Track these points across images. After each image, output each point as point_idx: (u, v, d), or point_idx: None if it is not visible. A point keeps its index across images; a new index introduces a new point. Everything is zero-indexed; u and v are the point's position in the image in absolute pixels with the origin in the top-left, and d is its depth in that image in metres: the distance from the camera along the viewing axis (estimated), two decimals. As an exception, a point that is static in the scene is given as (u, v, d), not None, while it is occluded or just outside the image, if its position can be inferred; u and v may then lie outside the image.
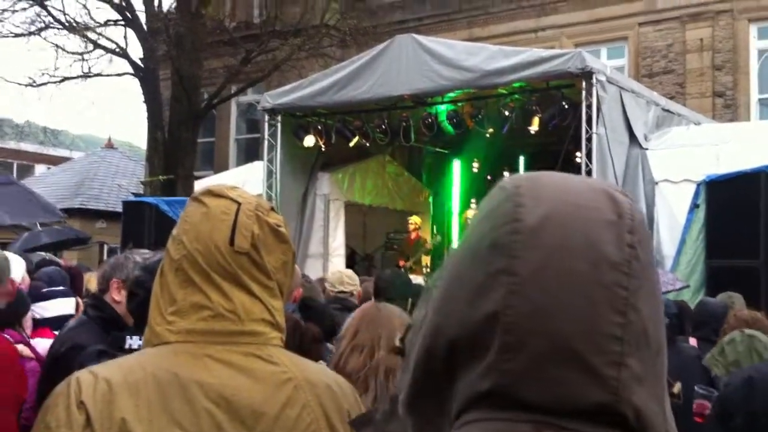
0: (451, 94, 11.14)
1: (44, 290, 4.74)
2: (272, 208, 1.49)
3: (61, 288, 5.10)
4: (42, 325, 4.28)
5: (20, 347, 3.52)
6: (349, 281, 5.22)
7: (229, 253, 1.41)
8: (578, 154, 9.78)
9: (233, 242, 1.41)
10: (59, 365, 2.92)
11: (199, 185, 14.57)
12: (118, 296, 3.08)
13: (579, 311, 0.73)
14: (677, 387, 2.89)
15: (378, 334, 2.40)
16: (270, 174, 12.13)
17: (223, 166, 19.87)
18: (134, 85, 18.94)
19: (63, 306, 4.59)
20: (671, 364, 2.75)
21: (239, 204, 1.44)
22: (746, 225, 8.21)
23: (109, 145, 27.18)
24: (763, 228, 8.09)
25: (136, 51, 18.67)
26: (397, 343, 0.94)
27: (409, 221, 13.71)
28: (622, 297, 0.74)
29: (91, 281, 7.11)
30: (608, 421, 0.73)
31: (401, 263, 13.50)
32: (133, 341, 1.95)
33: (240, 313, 1.40)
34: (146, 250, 3.35)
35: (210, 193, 1.47)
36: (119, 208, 13.98)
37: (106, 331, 3.00)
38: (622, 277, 0.74)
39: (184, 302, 1.40)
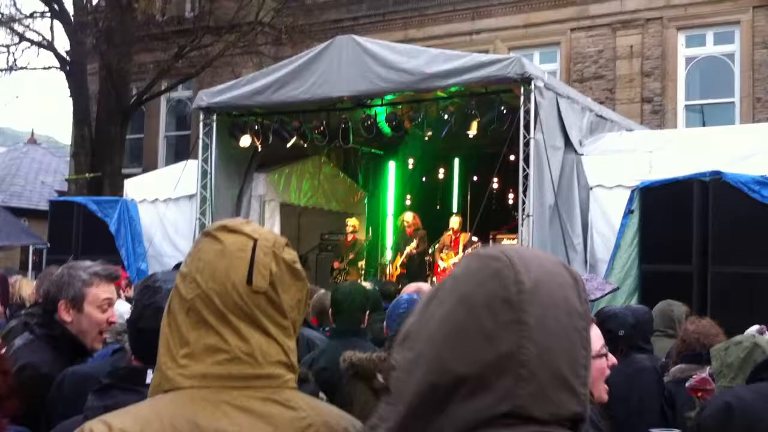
0: (391, 96, 11.13)
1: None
2: (287, 244, 1.43)
3: None
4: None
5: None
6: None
7: (247, 292, 1.34)
8: (513, 157, 9.90)
9: (251, 281, 1.34)
10: None
11: (127, 183, 14.21)
12: (68, 317, 2.98)
13: (565, 349, 1.07)
14: None
15: None
16: (204, 174, 11.90)
17: (152, 164, 19.44)
18: (59, 79, 18.32)
19: None
20: (625, 376, 2.76)
21: (256, 240, 1.37)
22: (679, 231, 8.42)
23: (32, 140, 26.29)
24: (696, 234, 8.31)
25: (63, 44, 18.10)
26: (381, 380, 1.27)
27: (347, 224, 13.65)
28: (585, 337, 1.10)
29: (24, 287, 6.83)
30: (573, 425, 1.08)
31: (335, 264, 13.46)
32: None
33: (257, 355, 1.34)
34: (89, 262, 3.22)
35: (225, 228, 1.40)
36: (43, 206, 13.54)
37: (56, 350, 2.93)
38: (584, 323, 1.10)
39: (198, 344, 1.32)
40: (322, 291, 5.72)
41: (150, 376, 1.84)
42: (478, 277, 1.08)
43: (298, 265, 1.42)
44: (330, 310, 4.25)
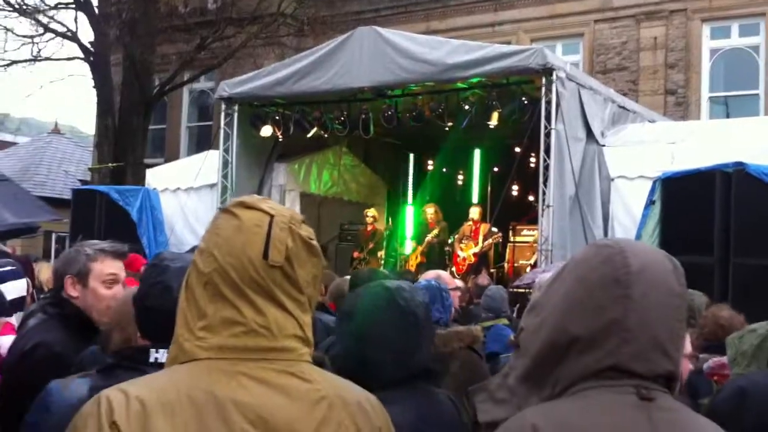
0: (412, 87, 11.12)
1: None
2: (303, 221, 1.45)
3: (8, 268, 4.90)
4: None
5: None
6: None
7: (263, 267, 1.36)
8: (534, 149, 9.88)
9: (267, 256, 1.37)
10: (25, 363, 2.85)
11: (149, 173, 14.33)
12: (74, 292, 3.02)
13: (663, 320, 1.37)
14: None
15: None
16: (226, 164, 11.98)
17: (173, 154, 19.56)
18: (83, 70, 18.53)
19: (18, 288, 4.41)
20: None
21: (272, 216, 1.40)
22: (701, 222, 8.34)
23: (56, 131, 26.51)
24: (718, 225, 8.24)
25: (87, 35, 18.25)
26: (512, 338, 1.58)
27: (367, 214, 13.67)
28: (681, 312, 1.40)
29: (43, 271, 6.92)
30: (667, 383, 1.38)
31: (355, 254, 13.49)
32: (159, 354, 1.87)
33: (273, 328, 1.36)
34: (96, 241, 3.28)
35: (242, 204, 1.43)
36: (66, 195, 13.65)
37: (68, 329, 2.95)
38: (681, 301, 1.40)
39: (215, 317, 1.35)
40: (341, 277, 5.74)
41: (153, 354, 1.87)
42: (593, 261, 1.41)
43: (314, 242, 1.44)
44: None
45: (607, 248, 1.42)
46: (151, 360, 1.88)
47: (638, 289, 1.36)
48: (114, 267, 3.05)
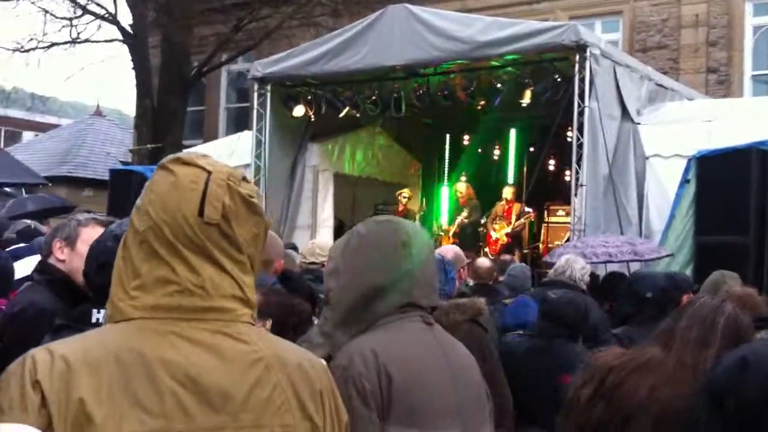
0: (444, 66, 11.01)
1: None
2: (245, 178, 1.41)
3: (22, 244, 4.95)
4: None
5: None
6: (321, 252, 5.12)
7: (198, 224, 1.33)
8: (570, 128, 9.72)
9: (203, 213, 1.33)
10: (15, 324, 2.87)
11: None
12: (61, 255, 3.03)
13: (431, 268, 2.11)
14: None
15: None
16: (259, 144, 12.00)
17: (212, 136, 19.68)
18: (123, 52, 18.74)
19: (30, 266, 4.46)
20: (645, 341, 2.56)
21: (209, 173, 1.36)
22: (736, 201, 8.15)
23: (98, 113, 26.85)
24: (753, 204, 8.05)
25: (125, 17, 18.39)
26: (324, 297, 2.05)
27: (401, 194, 13.62)
28: (435, 262, 2.27)
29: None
30: (433, 309, 2.11)
31: (390, 235, 13.43)
32: (101, 315, 1.86)
33: (208, 288, 1.33)
34: (94, 213, 3.31)
35: (179, 160, 1.38)
36: (107, 177, 13.83)
37: (55, 293, 2.95)
38: (435, 255, 2.44)
39: (149, 276, 1.32)
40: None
41: (95, 315, 1.86)
42: (384, 232, 2.05)
43: (255, 200, 1.40)
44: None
45: (390, 223, 2.10)
46: (93, 320, 1.86)
47: (416, 248, 2.00)
48: None
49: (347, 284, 1.91)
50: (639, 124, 9.92)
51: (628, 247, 7.79)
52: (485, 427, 2.06)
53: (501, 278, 6.56)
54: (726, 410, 2.12)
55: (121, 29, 17.59)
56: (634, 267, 8.06)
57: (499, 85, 10.80)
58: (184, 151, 10.66)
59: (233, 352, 1.32)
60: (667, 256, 8.16)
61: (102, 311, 1.86)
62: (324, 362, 1.47)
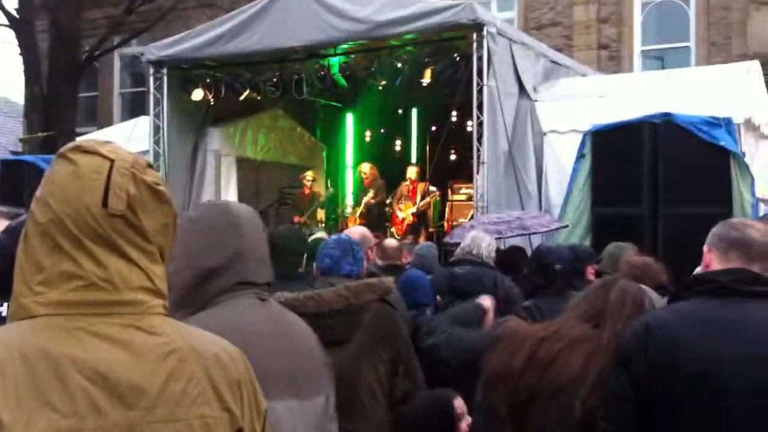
0: (344, 46, 10.97)
1: None
2: (150, 165, 1.36)
3: None
4: None
5: None
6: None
7: (102, 216, 1.28)
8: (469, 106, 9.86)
9: (106, 204, 1.28)
10: None
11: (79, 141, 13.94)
12: None
13: (261, 245, 2.16)
14: None
15: None
16: (157, 129, 11.70)
17: (107, 122, 19.09)
18: (10, 37, 17.95)
19: None
20: (559, 312, 2.67)
21: (112, 161, 1.30)
22: (630, 174, 8.45)
23: (-17, 101, 25.66)
24: (646, 176, 8.36)
25: (10, 1, 17.61)
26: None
27: (305, 176, 13.55)
28: (264, 237, 2.20)
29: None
30: (268, 284, 2.16)
31: (296, 219, 13.37)
32: (3, 308, 1.79)
33: (116, 281, 1.28)
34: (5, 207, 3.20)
35: (79, 149, 1.32)
36: (-3, 168, 13.28)
37: None
38: (263, 233, 2.25)
39: (53, 271, 1.27)
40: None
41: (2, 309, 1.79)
42: (213, 214, 2.11)
43: (162, 188, 1.36)
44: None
45: (219, 206, 2.23)
46: None
47: (246, 229, 2.06)
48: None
49: (180, 267, 1.91)
50: (536, 101, 10.15)
51: (517, 222, 7.97)
52: (319, 396, 2.11)
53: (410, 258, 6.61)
54: (633, 371, 2.23)
55: (6, 13, 16.83)
56: (536, 241, 8.27)
57: (399, 65, 10.83)
58: (79, 138, 10.31)
59: (144, 346, 1.29)
60: (560, 228, 8.39)
61: (5, 305, 1.79)
62: (240, 351, 1.45)
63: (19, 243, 1.31)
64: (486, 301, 3.65)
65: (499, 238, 7.86)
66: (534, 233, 8.27)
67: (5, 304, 1.79)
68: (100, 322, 1.27)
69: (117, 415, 1.23)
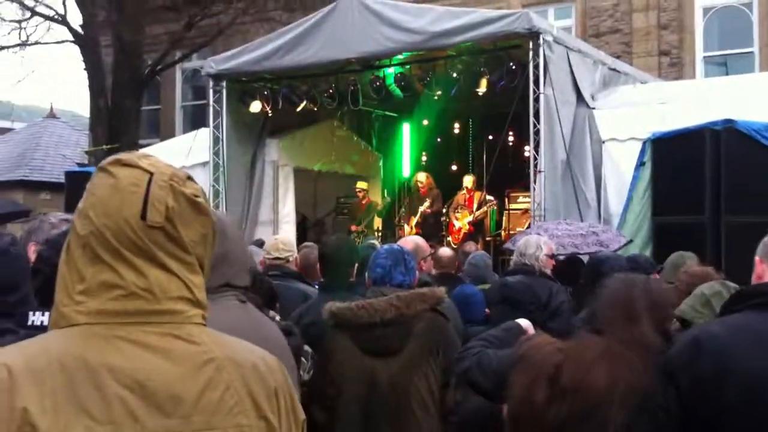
0: (399, 57, 11.00)
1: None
2: (189, 177, 1.38)
3: None
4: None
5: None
6: (284, 247, 5.11)
7: (141, 228, 1.30)
8: (527, 115, 9.77)
9: (145, 216, 1.31)
10: None
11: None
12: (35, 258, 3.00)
13: (244, 252, 2.53)
14: None
15: None
16: (216, 141, 11.91)
17: (169, 134, 19.47)
18: (75, 53, 18.49)
19: None
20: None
21: (151, 174, 1.33)
22: (691, 181, 8.27)
23: (52, 115, 26.38)
24: (708, 184, 8.16)
25: (75, 17, 18.16)
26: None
27: (357, 187, 13.61)
28: (248, 249, 2.97)
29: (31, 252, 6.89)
30: (246, 289, 2.44)
31: (352, 228, 13.44)
32: (36, 317, 1.83)
33: (155, 290, 1.30)
34: (62, 213, 3.28)
35: (119, 162, 1.35)
36: (63, 179, 13.64)
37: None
38: (242, 233, 3.58)
39: (93, 280, 1.29)
40: (310, 244, 5.73)
41: (31, 317, 1.83)
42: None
43: (201, 199, 1.37)
44: (318, 264, 4.25)
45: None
46: (29, 323, 1.84)
47: (230, 234, 2.25)
48: None
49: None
50: (594, 108, 10.02)
51: (593, 237, 7.81)
52: None
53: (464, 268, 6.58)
54: (679, 385, 2.16)
55: (72, 30, 17.31)
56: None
57: (454, 75, 10.83)
58: (141, 150, 10.58)
59: (182, 354, 1.30)
60: (628, 243, 8.24)
61: (38, 314, 1.83)
62: (279, 361, 1.46)
63: (61, 254, 1.34)
64: (524, 321, 3.60)
65: (576, 254, 7.71)
66: (613, 250, 8.09)
67: (47, 314, 1.84)
68: (139, 330, 1.29)
69: (154, 424, 1.24)
